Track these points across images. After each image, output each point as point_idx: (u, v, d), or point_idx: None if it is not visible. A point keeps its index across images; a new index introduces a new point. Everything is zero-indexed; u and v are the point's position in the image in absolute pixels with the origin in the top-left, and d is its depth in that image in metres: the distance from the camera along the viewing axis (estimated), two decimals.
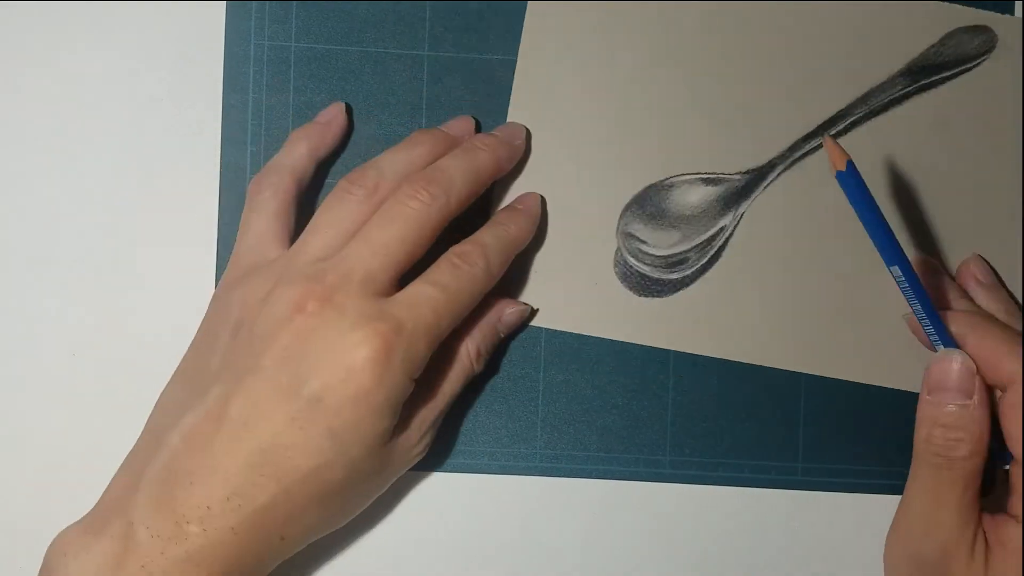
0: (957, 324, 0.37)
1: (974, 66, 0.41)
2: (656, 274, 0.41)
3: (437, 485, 0.41)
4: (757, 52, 0.41)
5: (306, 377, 0.34)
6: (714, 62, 0.41)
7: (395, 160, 0.38)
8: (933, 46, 0.41)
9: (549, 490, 0.41)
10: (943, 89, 0.41)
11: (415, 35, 0.41)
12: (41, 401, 0.40)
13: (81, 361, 0.40)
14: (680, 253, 0.41)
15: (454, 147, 0.39)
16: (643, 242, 0.40)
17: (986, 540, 0.36)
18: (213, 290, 0.40)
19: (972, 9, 0.41)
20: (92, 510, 0.35)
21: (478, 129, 0.41)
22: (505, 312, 0.40)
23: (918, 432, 0.37)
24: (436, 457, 0.41)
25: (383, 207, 0.36)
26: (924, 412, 0.37)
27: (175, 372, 0.37)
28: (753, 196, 0.41)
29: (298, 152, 0.39)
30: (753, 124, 0.41)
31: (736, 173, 0.41)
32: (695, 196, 0.41)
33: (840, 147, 0.33)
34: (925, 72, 0.41)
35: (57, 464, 0.40)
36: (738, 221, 0.41)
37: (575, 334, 0.41)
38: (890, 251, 0.35)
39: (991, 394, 0.36)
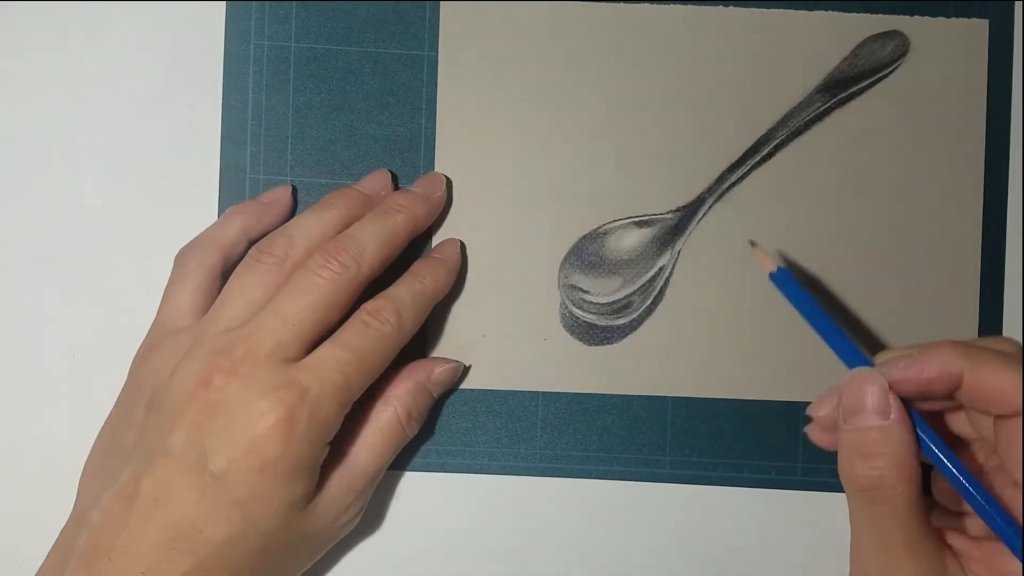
0: (948, 357, 0.33)
1: (890, 72, 0.41)
2: (603, 322, 0.41)
3: (437, 485, 0.41)
4: (674, 88, 0.41)
5: (212, 452, 0.34)
6: (631, 104, 0.41)
7: (306, 226, 0.38)
8: (846, 59, 0.41)
9: (549, 490, 0.41)
10: (863, 99, 0.41)
11: (415, 35, 0.41)
12: (41, 401, 0.40)
13: (81, 361, 0.40)
14: (624, 298, 0.41)
15: (368, 207, 0.39)
16: (586, 292, 0.41)
17: (964, 572, 0.33)
18: None
19: (880, 16, 0.41)
20: None
21: (396, 183, 0.40)
22: (435, 372, 0.39)
23: (841, 468, 0.33)
24: (437, 457, 0.41)
25: (293, 278, 0.36)
26: (843, 442, 0.33)
27: (93, 447, 0.37)
28: (687, 232, 0.41)
29: (230, 228, 0.39)
30: (678, 161, 0.41)
31: (667, 212, 0.41)
32: (630, 240, 0.41)
33: (767, 255, 0.35)
34: (842, 85, 0.41)
35: (57, 464, 0.40)
36: (676, 259, 0.41)
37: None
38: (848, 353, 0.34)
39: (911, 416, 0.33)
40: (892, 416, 0.33)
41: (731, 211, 0.41)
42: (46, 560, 0.36)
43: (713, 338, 0.41)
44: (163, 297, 0.38)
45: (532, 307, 0.41)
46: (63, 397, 0.40)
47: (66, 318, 0.40)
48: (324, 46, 0.41)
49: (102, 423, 0.38)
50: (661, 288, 0.41)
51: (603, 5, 0.41)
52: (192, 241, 0.39)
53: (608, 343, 0.41)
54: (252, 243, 0.39)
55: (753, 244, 0.37)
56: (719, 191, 0.41)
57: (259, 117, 0.41)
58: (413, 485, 0.41)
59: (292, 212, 0.40)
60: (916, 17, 0.41)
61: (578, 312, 0.40)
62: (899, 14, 0.41)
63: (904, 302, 0.41)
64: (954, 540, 0.34)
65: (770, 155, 0.41)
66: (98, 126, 0.41)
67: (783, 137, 0.41)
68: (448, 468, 0.41)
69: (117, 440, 0.36)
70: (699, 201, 0.41)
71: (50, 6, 0.40)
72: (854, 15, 0.41)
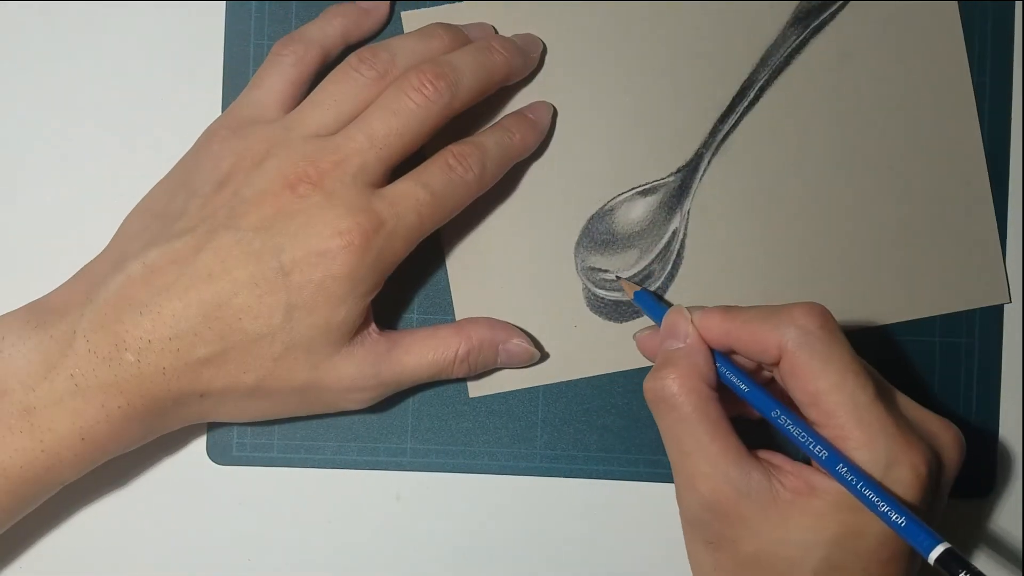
0: (716, 319, 0.35)
1: None
2: (628, 297, 0.41)
3: (437, 485, 0.41)
4: (649, 53, 0.41)
5: (280, 249, 0.34)
6: (610, 79, 0.41)
7: (410, 48, 0.37)
8: None
9: (549, 490, 0.41)
10: (835, 24, 0.41)
11: None
12: None
13: None
14: (643, 269, 0.41)
15: None
16: (605, 271, 0.41)
17: (780, 484, 0.33)
18: None
19: None
20: (37, 304, 0.36)
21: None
22: (512, 341, 0.39)
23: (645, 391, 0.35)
24: (437, 457, 0.40)
25: (386, 95, 0.36)
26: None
27: (144, 201, 0.38)
28: (692, 191, 0.41)
29: (331, 28, 0.39)
30: (670, 123, 0.41)
31: (669, 175, 0.41)
32: (638, 211, 0.41)
33: (629, 283, 0.40)
34: (812, 15, 0.41)
35: None
36: (687, 219, 0.41)
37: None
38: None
39: (709, 348, 0.35)
40: (688, 340, 0.35)
41: (731, 161, 0.41)
42: (63, 287, 0.36)
43: (738, 288, 0.41)
44: (252, 81, 0.38)
45: (556, 298, 0.41)
46: None
47: None
48: None
49: None
50: (678, 251, 0.41)
51: None
52: (291, 34, 0.39)
53: (639, 316, 0.41)
54: (349, 47, 0.39)
55: (618, 278, 0.40)
56: (715, 144, 0.41)
57: None
58: (413, 485, 0.41)
59: (388, 22, 0.40)
60: None
61: (602, 292, 0.41)
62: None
63: (910, 225, 0.41)
64: (772, 457, 0.35)
65: (757, 98, 0.41)
66: (98, 126, 0.41)
67: (766, 77, 0.41)
68: (448, 468, 0.41)
69: (174, 204, 0.36)
70: (697, 158, 0.41)
71: (50, 6, 0.41)
72: None
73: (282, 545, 0.40)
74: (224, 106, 0.40)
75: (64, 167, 0.40)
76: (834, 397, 0.33)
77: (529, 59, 0.39)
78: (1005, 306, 0.41)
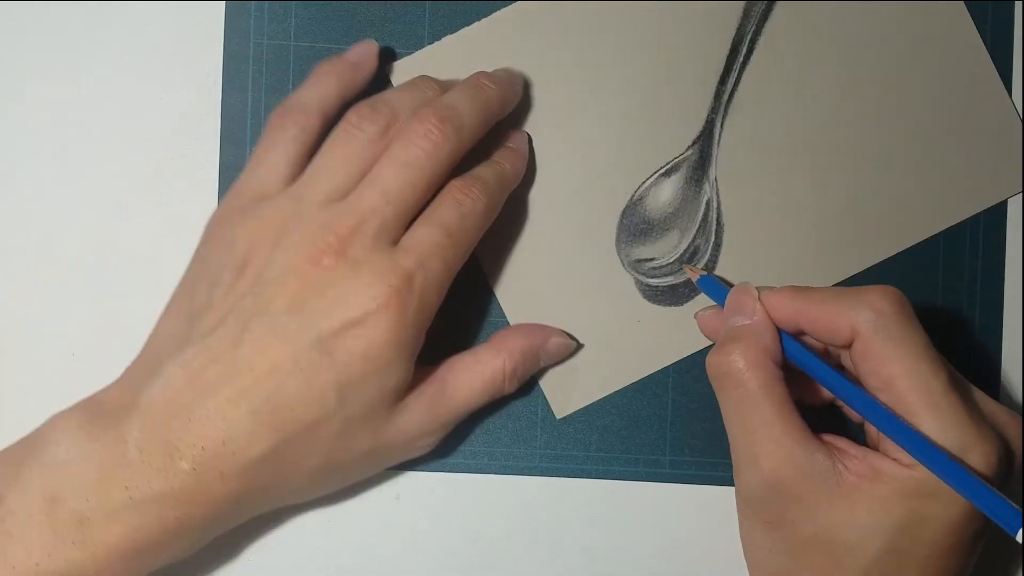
0: (786, 298, 0.35)
1: None
2: (681, 278, 0.41)
3: (437, 485, 0.41)
4: (635, 36, 0.40)
5: (317, 328, 0.33)
6: (606, 67, 0.40)
7: (405, 97, 0.37)
8: None
9: (549, 490, 0.41)
10: None
11: (415, 35, 0.41)
12: (41, 401, 0.40)
13: (81, 361, 0.40)
14: (688, 247, 0.41)
15: None
16: (651, 259, 0.41)
17: (844, 467, 0.33)
18: None
19: None
20: (89, 406, 0.35)
21: None
22: (551, 341, 0.39)
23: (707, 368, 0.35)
24: (436, 457, 0.40)
25: (394, 147, 0.35)
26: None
27: (171, 300, 0.36)
28: (714, 158, 0.41)
29: (327, 89, 0.37)
30: (673, 98, 0.41)
31: (686, 149, 0.41)
32: (666, 192, 0.41)
33: (692, 268, 0.40)
34: None
35: None
36: (716, 187, 0.41)
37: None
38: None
39: (775, 327, 0.35)
40: (755, 317, 0.35)
41: (743, 120, 0.41)
42: (109, 392, 0.35)
43: (790, 239, 0.41)
44: (254, 158, 0.37)
45: (611, 299, 0.41)
46: (63, 397, 0.40)
47: (65, 318, 0.40)
48: (324, 45, 0.41)
49: None
50: (717, 219, 0.41)
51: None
52: (289, 102, 0.37)
53: (697, 295, 0.41)
54: (345, 104, 0.38)
55: (682, 266, 0.40)
56: (722, 107, 0.41)
57: (259, 117, 0.41)
58: (413, 485, 0.41)
59: (377, 69, 0.39)
60: None
61: (654, 281, 0.41)
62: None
63: (928, 132, 0.41)
64: (836, 441, 0.35)
65: (750, 51, 0.41)
66: (97, 126, 0.41)
67: (753, 29, 0.41)
68: (448, 468, 0.41)
69: (198, 298, 0.35)
70: (709, 125, 0.41)
71: (50, 6, 0.40)
72: None
73: (282, 545, 0.40)
74: (223, 107, 0.40)
75: (63, 167, 0.40)
76: (908, 382, 0.33)
77: (516, 93, 0.39)
78: (1004, 309, 0.42)
